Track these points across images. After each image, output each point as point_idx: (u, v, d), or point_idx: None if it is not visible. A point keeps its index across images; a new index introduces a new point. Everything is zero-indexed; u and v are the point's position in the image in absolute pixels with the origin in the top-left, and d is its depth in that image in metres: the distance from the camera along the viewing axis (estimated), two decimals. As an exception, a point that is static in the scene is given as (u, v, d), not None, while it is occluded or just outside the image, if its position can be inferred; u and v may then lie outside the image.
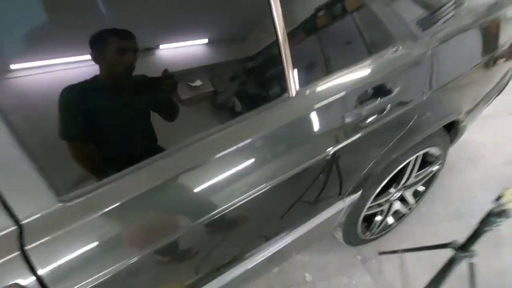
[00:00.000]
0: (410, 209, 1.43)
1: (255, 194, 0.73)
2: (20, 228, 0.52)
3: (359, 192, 1.02)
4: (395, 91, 0.86)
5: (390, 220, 1.42)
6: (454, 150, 1.93)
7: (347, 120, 0.82)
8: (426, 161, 1.31)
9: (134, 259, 0.61)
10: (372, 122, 0.85)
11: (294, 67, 0.73)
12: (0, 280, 0.51)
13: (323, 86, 0.79)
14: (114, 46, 0.54)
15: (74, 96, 0.53)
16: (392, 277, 1.34)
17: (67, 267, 0.55)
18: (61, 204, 0.54)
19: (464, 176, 1.79)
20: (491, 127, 2.15)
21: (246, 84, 0.73)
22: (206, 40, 0.65)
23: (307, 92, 0.77)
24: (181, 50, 0.63)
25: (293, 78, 0.74)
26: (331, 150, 0.81)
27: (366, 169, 0.95)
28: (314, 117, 0.78)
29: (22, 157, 0.50)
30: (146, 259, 0.63)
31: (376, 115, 0.86)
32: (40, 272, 0.53)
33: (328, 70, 0.80)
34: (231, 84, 0.70)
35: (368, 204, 1.14)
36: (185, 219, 0.67)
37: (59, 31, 0.51)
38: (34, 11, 0.49)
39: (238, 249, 0.84)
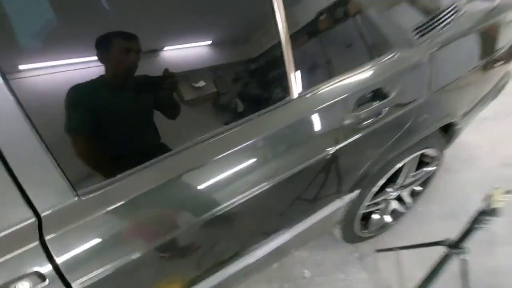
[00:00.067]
0: (407, 208, 1.47)
1: (257, 192, 0.76)
2: (40, 220, 0.56)
3: (357, 191, 1.05)
4: (392, 95, 0.89)
5: (387, 218, 1.46)
6: (451, 151, 1.97)
7: (346, 122, 0.86)
8: (422, 162, 1.34)
9: (142, 252, 0.65)
10: (369, 124, 0.89)
11: (296, 71, 0.77)
12: (21, 267, 0.55)
13: (323, 89, 0.82)
14: (119, 47, 0.57)
15: (81, 94, 0.56)
16: (387, 274, 1.37)
17: (82, 257, 0.59)
18: (77, 198, 0.58)
19: (460, 177, 1.83)
20: (488, 129, 2.19)
21: (250, 86, 0.76)
22: (212, 44, 0.68)
23: (308, 95, 0.81)
24: (184, 52, 0.66)
25: (294, 81, 0.78)
26: (330, 150, 0.85)
27: (364, 169, 0.99)
28: (314, 119, 0.82)
29: (42, 154, 0.54)
30: (153, 252, 0.67)
31: (373, 118, 0.89)
32: (58, 261, 0.57)
33: (328, 75, 0.83)
34: (235, 86, 0.74)
35: (366, 203, 1.17)
36: (190, 214, 0.71)
37: (68, 33, 0.54)
38: (45, 17, 0.52)
39: (240, 244, 0.88)
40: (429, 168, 1.34)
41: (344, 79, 0.85)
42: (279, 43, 0.72)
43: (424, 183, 1.45)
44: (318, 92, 0.82)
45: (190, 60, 0.66)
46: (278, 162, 0.79)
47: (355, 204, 1.13)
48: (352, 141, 0.88)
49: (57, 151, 0.55)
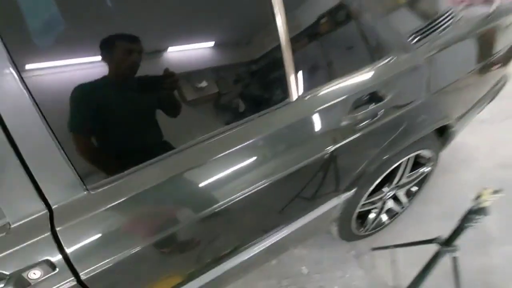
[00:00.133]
0: (403, 208, 1.50)
1: (256, 190, 0.80)
2: (51, 212, 0.60)
3: (354, 190, 1.09)
4: (388, 97, 0.93)
5: (384, 217, 1.50)
6: (449, 152, 2.00)
7: (343, 123, 0.89)
8: (418, 163, 1.37)
9: (145, 245, 0.69)
10: (365, 126, 0.92)
11: (295, 74, 0.80)
12: (33, 256, 0.59)
13: (322, 91, 0.86)
14: (121, 48, 0.60)
15: (90, 93, 0.60)
16: (383, 272, 1.41)
17: (89, 248, 0.63)
18: (86, 192, 0.62)
19: (457, 177, 1.86)
20: (487, 131, 2.21)
21: (250, 88, 0.79)
22: (214, 46, 0.71)
23: (307, 97, 0.84)
24: (186, 54, 0.69)
25: (294, 84, 0.81)
26: (327, 150, 0.88)
27: (360, 168, 1.02)
28: (312, 120, 0.85)
29: (55, 150, 0.57)
30: (155, 245, 0.71)
31: (369, 119, 0.92)
32: (67, 251, 0.61)
33: (327, 77, 0.87)
34: (236, 88, 0.77)
35: (362, 202, 1.21)
36: (192, 210, 0.74)
37: (77, 35, 0.57)
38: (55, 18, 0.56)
39: (239, 240, 0.91)
40: (425, 169, 1.37)
41: (342, 82, 0.88)
42: (279, 46, 0.75)
43: (420, 183, 1.48)
44: (316, 94, 0.85)
45: (192, 62, 0.69)
46: (277, 161, 0.82)
47: (352, 202, 1.16)
48: (349, 141, 0.91)
49: (68, 148, 0.59)
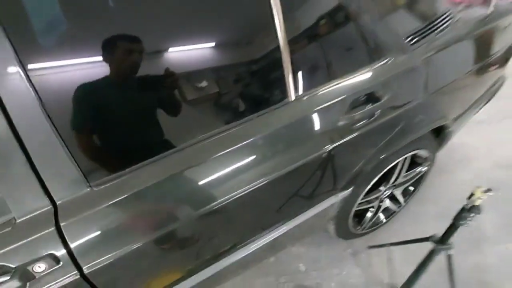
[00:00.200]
0: (399, 207, 1.52)
1: (255, 187, 0.81)
2: (56, 207, 0.62)
3: (351, 189, 1.11)
4: (385, 98, 0.94)
5: (381, 216, 1.52)
6: (446, 152, 2.02)
7: (340, 123, 0.91)
8: (415, 162, 1.39)
9: (146, 241, 0.70)
10: (363, 126, 0.94)
11: (293, 75, 0.82)
12: (38, 250, 0.61)
13: (320, 92, 0.88)
14: (122, 48, 0.62)
15: (93, 93, 0.62)
16: (380, 270, 1.43)
17: (92, 243, 0.65)
18: (89, 189, 0.64)
19: (454, 177, 1.88)
20: (484, 131, 2.23)
21: (249, 88, 0.81)
22: (216, 48, 0.73)
23: (305, 97, 0.86)
24: (187, 55, 0.71)
25: (292, 84, 0.83)
26: (325, 149, 0.90)
27: (357, 167, 1.04)
28: (311, 120, 0.87)
29: (60, 148, 0.59)
30: (155, 241, 0.72)
31: (366, 119, 0.94)
32: (71, 245, 0.63)
33: (324, 78, 0.89)
34: (235, 88, 0.79)
35: (359, 200, 1.23)
36: (192, 207, 0.76)
37: (78, 36, 0.59)
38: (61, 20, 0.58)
39: (237, 237, 0.93)
40: (421, 169, 1.39)
41: (340, 82, 0.90)
42: (278, 47, 0.77)
43: (417, 183, 1.50)
44: (314, 94, 0.87)
45: (193, 63, 0.71)
46: (275, 160, 0.84)
47: (349, 201, 1.18)
48: (346, 141, 0.93)
49: (72, 146, 0.60)
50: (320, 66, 0.89)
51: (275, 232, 0.99)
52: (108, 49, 0.60)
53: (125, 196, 0.67)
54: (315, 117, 0.87)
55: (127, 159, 0.68)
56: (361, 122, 0.93)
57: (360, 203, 1.26)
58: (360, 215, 1.43)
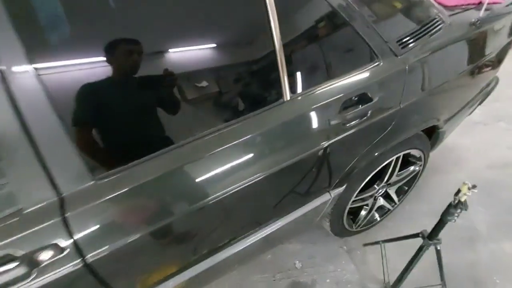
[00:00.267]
0: (394, 205, 1.56)
1: (251, 183, 0.85)
2: (62, 199, 0.66)
3: (344, 186, 1.14)
4: (375, 99, 0.98)
5: (375, 214, 1.55)
6: (442, 153, 2.06)
7: (333, 122, 0.94)
8: (409, 162, 1.43)
9: (145, 233, 0.74)
10: (354, 125, 0.98)
11: (288, 76, 0.86)
12: (45, 239, 0.64)
13: (313, 93, 0.91)
14: (124, 50, 0.66)
15: (93, 92, 0.65)
16: (374, 266, 1.46)
17: (96, 233, 0.69)
18: (94, 182, 0.68)
19: (449, 177, 1.91)
20: (479, 133, 2.27)
21: (246, 89, 0.85)
22: (216, 51, 0.78)
23: (300, 97, 0.90)
24: (188, 58, 0.76)
25: (288, 85, 0.87)
26: (318, 147, 0.94)
27: (350, 165, 1.08)
28: (304, 118, 0.91)
29: (66, 143, 0.63)
30: (154, 233, 0.76)
31: (358, 119, 0.98)
32: (75, 235, 0.66)
33: (318, 80, 0.93)
34: (233, 89, 0.83)
35: (353, 198, 1.26)
36: (190, 201, 0.79)
37: (84, 37, 0.63)
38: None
39: (233, 230, 0.97)
40: (414, 168, 1.42)
41: (333, 83, 0.94)
42: (274, 51, 0.82)
43: (411, 182, 1.53)
44: (308, 95, 0.91)
45: (194, 65, 0.76)
46: (271, 156, 0.88)
47: (343, 198, 1.21)
48: (339, 139, 0.96)
49: (78, 141, 0.64)
50: (313, 68, 0.93)
51: (270, 227, 1.02)
52: (112, 51, 0.65)
53: (127, 189, 0.70)
54: (309, 116, 0.91)
55: (129, 155, 0.72)
56: (353, 122, 0.97)
57: (354, 201, 1.30)
58: (355, 213, 1.46)
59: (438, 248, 1.03)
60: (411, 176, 1.47)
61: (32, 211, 0.64)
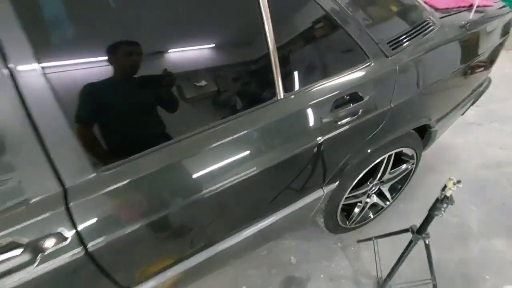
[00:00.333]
0: (388, 203, 1.59)
1: (245, 177, 0.88)
2: (65, 190, 0.69)
3: (337, 183, 1.18)
4: (366, 98, 1.02)
5: (369, 212, 1.59)
6: (437, 153, 2.10)
7: (325, 120, 0.98)
8: (402, 160, 1.46)
9: (144, 223, 0.77)
10: (346, 123, 1.01)
11: (282, 76, 0.90)
12: (49, 227, 0.68)
13: (305, 92, 0.95)
14: (124, 52, 0.71)
15: (95, 89, 0.69)
16: (367, 262, 1.50)
17: (97, 222, 0.72)
18: (96, 174, 0.72)
19: (443, 177, 1.92)
20: (474, 133, 2.31)
21: (242, 88, 0.89)
22: (216, 54, 0.83)
23: (292, 96, 0.94)
24: (189, 59, 0.80)
25: (281, 84, 0.91)
26: (311, 143, 0.97)
27: (342, 162, 1.11)
28: (297, 116, 0.95)
29: (71, 137, 0.67)
30: (152, 224, 0.79)
31: (350, 117, 1.02)
32: (78, 224, 0.70)
33: (310, 80, 0.97)
34: (230, 88, 0.87)
35: (346, 195, 1.30)
36: (187, 194, 0.83)
37: (89, 39, 0.68)
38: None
39: (229, 224, 1.00)
40: (406, 166, 1.46)
41: (324, 83, 0.98)
42: (268, 53, 0.86)
43: (404, 180, 1.57)
44: (300, 94, 0.95)
45: (194, 66, 0.81)
46: (265, 152, 0.91)
47: (336, 195, 1.25)
48: (330, 136, 1.00)
49: (81, 135, 0.68)
50: (306, 68, 0.97)
51: (264, 222, 1.06)
52: (112, 51, 0.69)
53: (127, 181, 0.74)
54: (302, 114, 0.95)
55: (130, 149, 0.76)
56: (345, 120, 1.01)
57: (347, 198, 1.33)
58: (348, 210, 1.50)
59: (427, 242, 1.06)
60: (403, 174, 1.50)
61: (37, 201, 0.67)
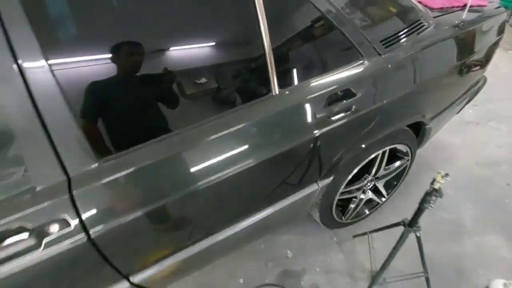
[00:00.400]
0: (383, 199, 1.62)
1: (241, 170, 0.92)
2: (69, 179, 0.73)
3: (331, 177, 1.21)
4: (359, 94, 1.05)
5: (364, 208, 1.62)
6: (434, 151, 2.13)
7: (319, 115, 1.01)
8: (397, 157, 1.49)
9: (142, 212, 0.81)
10: (340, 118, 1.05)
11: (277, 73, 0.94)
12: (54, 213, 0.72)
13: (300, 88, 0.99)
14: (126, 51, 0.75)
15: (98, 85, 0.74)
16: (362, 256, 1.53)
17: (99, 210, 0.76)
18: (98, 164, 0.76)
19: (438, 175, 1.97)
20: (470, 132, 2.33)
21: (240, 84, 0.94)
22: (216, 53, 0.88)
23: (287, 92, 0.98)
24: (189, 58, 0.85)
25: (276, 81, 0.95)
26: (306, 138, 1.00)
27: (336, 157, 1.14)
28: (292, 111, 0.98)
29: (75, 129, 0.71)
30: (150, 213, 0.82)
31: (343, 113, 1.05)
32: (81, 211, 0.74)
33: (304, 77, 1.00)
34: (229, 84, 0.91)
35: (341, 190, 1.33)
36: (185, 184, 0.86)
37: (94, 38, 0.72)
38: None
39: (225, 215, 1.03)
40: (400, 163, 1.48)
41: (318, 80, 1.01)
42: (264, 52, 0.90)
43: (399, 177, 1.60)
44: (294, 90, 0.98)
45: (194, 64, 0.85)
46: (261, 145, 0.95)
47: (331, 189, 1.28)
48: (325, 131, 1.03)
49: (85, 128, 0.72)
50: (300, 66, 1.01)
51: (260, 214, 1.09)
52: (115, 49, 0.73)
53: (128, 171, 0.78)
54: (296, 109, 0.99)
55: (131, 140, 0.80)
56: (338, 115, 1.04)
57: (342, 193, 1.36)
58: (344, 205, 1.53)
59: (418, 234, 1.09)
60: (398, 170, 1.53)
61: (43, 189, 0.71)
